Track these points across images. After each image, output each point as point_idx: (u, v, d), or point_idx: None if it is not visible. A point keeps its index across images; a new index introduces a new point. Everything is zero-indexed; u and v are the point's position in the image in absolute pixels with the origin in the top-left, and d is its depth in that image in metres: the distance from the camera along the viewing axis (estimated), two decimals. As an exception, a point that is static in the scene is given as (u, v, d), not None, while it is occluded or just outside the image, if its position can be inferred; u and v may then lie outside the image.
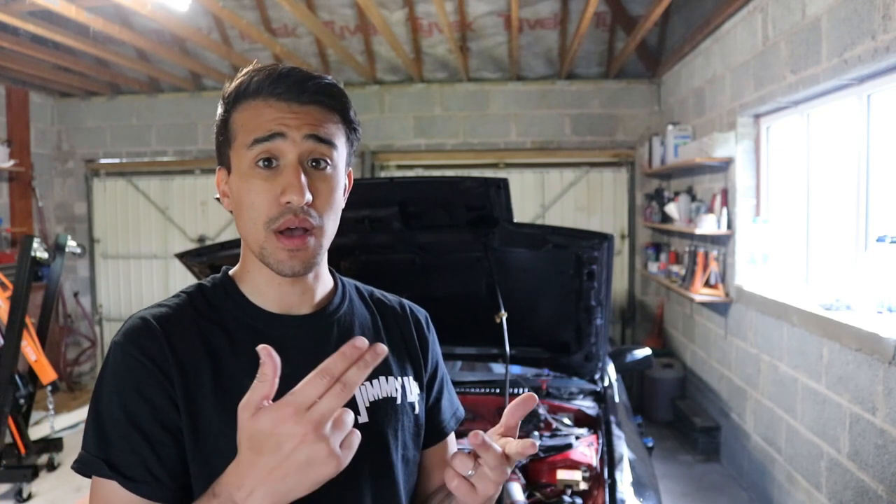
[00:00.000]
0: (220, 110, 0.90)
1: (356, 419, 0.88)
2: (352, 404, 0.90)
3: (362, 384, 0.92)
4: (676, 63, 5.01)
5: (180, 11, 3.76)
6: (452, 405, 1.09)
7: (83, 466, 0.81)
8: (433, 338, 1.08)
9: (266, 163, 0.83)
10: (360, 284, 1.05)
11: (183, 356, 0.84)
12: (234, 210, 0.89)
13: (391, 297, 1.07)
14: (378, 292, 1.07)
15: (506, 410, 0.80)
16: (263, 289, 0.91)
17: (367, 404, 0.91)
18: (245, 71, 0.89)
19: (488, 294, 2.31)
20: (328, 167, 0.86)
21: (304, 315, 0.92)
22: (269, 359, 0.68)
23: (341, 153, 0.88)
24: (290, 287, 0.91)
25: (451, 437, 1.08)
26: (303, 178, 0.82)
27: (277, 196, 0.82)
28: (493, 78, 5.79)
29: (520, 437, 1.07)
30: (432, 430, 1.04)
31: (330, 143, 0.86)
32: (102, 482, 0.80)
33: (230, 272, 0.95)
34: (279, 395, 0.85)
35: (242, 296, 0.91)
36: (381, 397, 0.93)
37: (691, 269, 4.36)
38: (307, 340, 0.91)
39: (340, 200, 0.90)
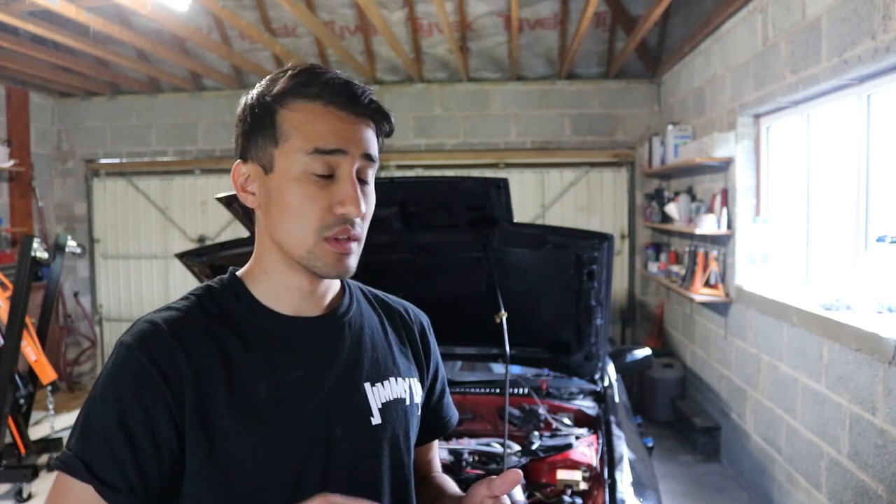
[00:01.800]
0: (258, 101, 0.86)
1: (370, 421, 0.91)
2: (365, 405, 0.91)
3: (374, 386, 0.93)
4: (676, 63, 5.01)
5: (180, 11, 3.76)
6: (451, 408, 1.13)
7: (62, 465, 0.79)
8: (434, 341, 1.10)
9: (323, 171, 0.84)
10: (364, 287, 1.06)
11: (195, 360, 0.83)
12: (271, 210, 0.87)
13: (395, 300, 1.08)
14: (382, 294, 1.08)
15: (494, 484, 0.85)
16: (279, 292, 0.90)
17: (380, 406, 0.93)
18: (299, 68, 0.87)
19: (488, 294, 2.31)
20: (369, 181, 0.90)
21: (315, 317, 0.93)
22: None
23: (376, 167, 0.92)
24: (308, 291, 0.91)
25: (435, 441, 1.14)
26: (359, 191, 0.85)
27: (332, 205, 0.84)
28: (493, 78, 5.79)
29: (519, 438, 1.10)
30: (431, 430, 1.08)
31: (375, 160, 0.89)
32: (74, 483, 0.77)
33: (238, 273, 0.94)
34: (293, 397, 0.86)
35: (253, 298, 0.91)
36: (391, 398, 0.95)
37: (691, 269, 4.36)
38: (321, 342, 0.91)
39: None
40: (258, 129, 0.86)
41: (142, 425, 0.79)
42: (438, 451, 1.16)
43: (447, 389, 1.13)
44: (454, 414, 1.14)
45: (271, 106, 0.85)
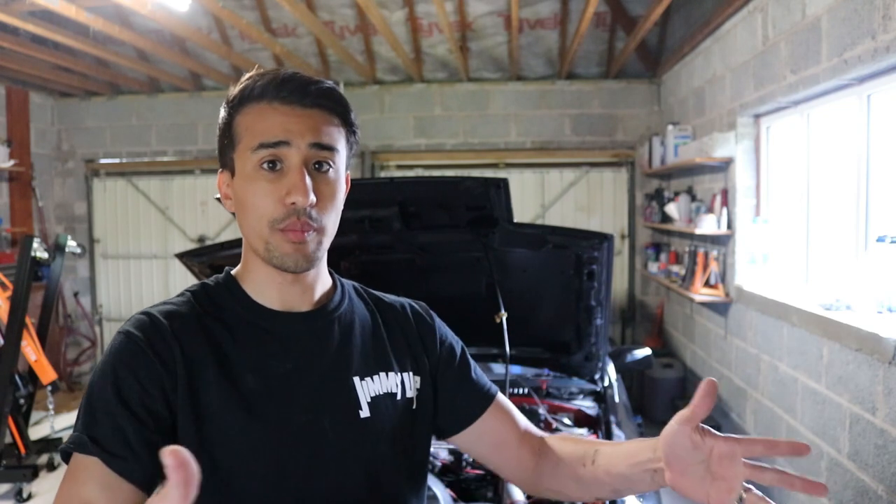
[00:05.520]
0: (223, 114, 0.91)
1: (358, 414, 0.92)
2: (353, 399, 0.93)
3: (363, 380, 0.94)
4: (676, 63, 5.01)
5: (180, 11, 3.76)
6: (484, 377, 1.09)
7: (71, 445, 0.81)
8: (438, 323, 1.10)
9: (270, 165, 0.86)
10: (358, 285, 1.07)
11: (188, 349, 0.86)
12: (237, 211, 0.92)
13: (389, 297, 1.09)
14: (376, 292, 1.09)
15: (693, 412, 0.80)
16: (265, 287, 0.93)
17: (369, 399, 0.94)
18: (248, 75, 0.91)
19: (488, 294, 2.31)
20: (330, 170, 0.89)
21: (304, 312, 0.95)
22: (181, 467, 0.56)
23: (342, 155, 0.91)
24: (291, 286, 0.93)
25: (505, 402, 1.07)
26: (307, 180, 0.85)
27: (282, 197, 0.85)
28: (493, 78, 5.79)
29: None
30: (472, 403, 1.05)
31: (332, 149, 0.88)
32: (81, 459, 0.80)
33: (232, 272, 0.97)
34: (281, 389, 0.88)
35: (245, 294, 0.94)
36: (381, 393, 0.96)
37: (691, 269, 4.36)
38: (309, 336, 0.93)
39: (341, 201, 0.93)
40: (223, 137, 0.91)
41: (138, 398, 0.82)
42: (520, 415, 1.08)
43: (474, 364, 1.09)
44: (490, 383, 1.08)
45: (229, 114, 0.90)
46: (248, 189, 0.87)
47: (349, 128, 0.92)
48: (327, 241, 0.91)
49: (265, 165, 0.86)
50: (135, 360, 0.83)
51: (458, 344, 1.10)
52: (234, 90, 0.90)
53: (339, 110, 0.90)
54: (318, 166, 0.87)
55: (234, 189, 0.91)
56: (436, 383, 1.04)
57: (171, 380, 0.84)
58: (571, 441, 1.03)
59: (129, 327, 0.86)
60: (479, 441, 1.05)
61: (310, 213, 0.86)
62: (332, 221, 0.90)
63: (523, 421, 1.07)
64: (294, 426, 0.87)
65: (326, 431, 0.89)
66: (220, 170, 0.94)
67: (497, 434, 1.04)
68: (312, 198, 0.85)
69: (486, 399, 1.05)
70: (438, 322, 1.10)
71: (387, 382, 0.97)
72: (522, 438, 1.04)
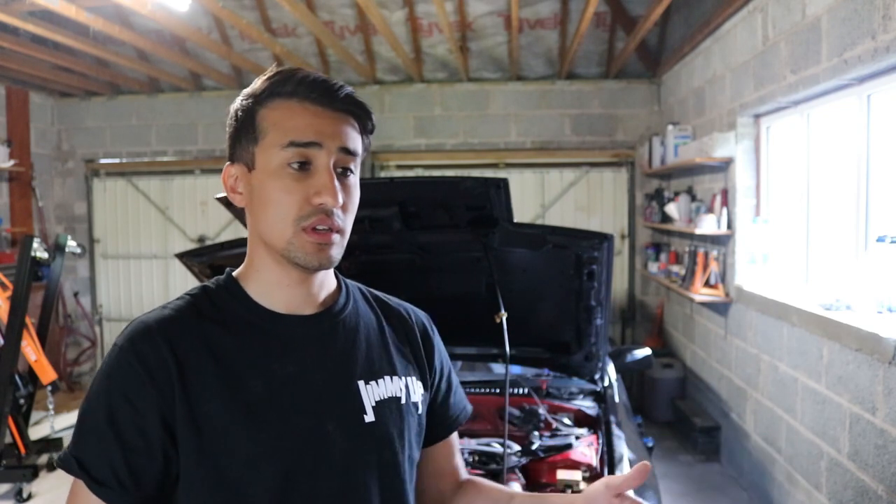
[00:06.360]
0: (241, 105, 0.90)
1: (363, 418, 0.91)
2: (358, 403, 0.92)
3: (368, 384, 0.93)
4: (676, 63, 5.01)
5: (180, 11, 3.76)
6: (460, 402, 1.12)
7: (60, 463, 0.84)
8: (437, 339, 1.10)
9: (299, 164, 0.86)
10: (363, 287, 1.07)
11: (185, 359, 0.84)
12: (254, 207, 0.90)
13: (394, 300, 1.09)
14: (382, 295, 1.08)
15: (623, 482, 0.89)
16: (271, 289, 0.92)
17: (374, 404, 0.93)
18: (275, 70, 0.90)
19: (488, 294, 2.31)
20: (351, 175, 0.90)
21: (309, 315, 0.93)
22: None
23: (359, 160, 0.92)
24: (298, 287, 0.92)
25: (455, 434, 1.11)
26: (336, 182, 0.85)
27: (309, 196, 0.85)
28: (493, 78, 5.79)
29: (519, 438, 1.11)
30: (440, 427, 1.07)
31: (356, 154, 0.89)
32: (79, 481, 0.83)
33: (234, 273, 0.96)
34: (285, 393, 0.88)
35: (247, 296, 0.92)
36: (386, 397, 0.95)
37: (691, 269, 4.36)
38: (312, 339, 0.92)
39: (357, 205, 0.93)
40: (241, 130, 0.90)
41: (131, 423, 0.81)
42: (458, 448, 1.14)
43: (455, 388, 1.11)
44: (465, 407, 1.12)
45: (252, 107, 0.89)
46: (271, 185, 0.86)
47: (367, 134, 0.93)
48: (346, 242, 0.91)
49: (294, 164, 0.85)
50: (127, 380, 0.83)
51: (447, 363, 1.11)
52: (261, 83, 0.89)
53: (364, 117, 0.91)
54: (341, 170, 0.88)
55: (251, 184, 0.89)
56: (427, 394, 1.05)
57: (168, 398, 0.83)
58: (493, 488, 1.08)
59: (122, 343, 0.85)
60: (424, 462, 1.05)
61: (336, 213, 0.86)
62: (350, 223, 0.91)
63: (459, 456, 1.13)
64: (297, 431, 0.86)
65: (331, 436, 0.88)
66: (229, 163, 0.93)
67: (440, 461, 1.08)
68: (342, 199, 0.86)
69: (453, 426, 1.09)
70: (437, 336, 1.11)
71: (391, 386, 0.96)
72: (453, 472, 1.10)
